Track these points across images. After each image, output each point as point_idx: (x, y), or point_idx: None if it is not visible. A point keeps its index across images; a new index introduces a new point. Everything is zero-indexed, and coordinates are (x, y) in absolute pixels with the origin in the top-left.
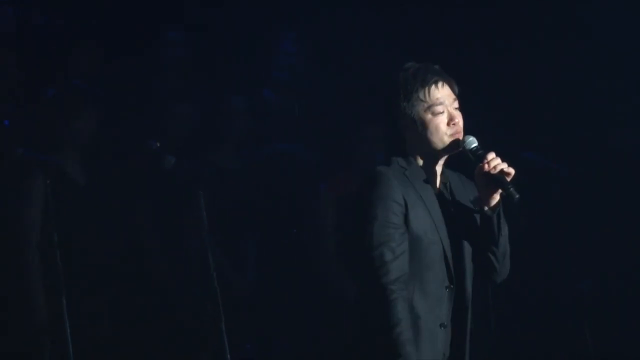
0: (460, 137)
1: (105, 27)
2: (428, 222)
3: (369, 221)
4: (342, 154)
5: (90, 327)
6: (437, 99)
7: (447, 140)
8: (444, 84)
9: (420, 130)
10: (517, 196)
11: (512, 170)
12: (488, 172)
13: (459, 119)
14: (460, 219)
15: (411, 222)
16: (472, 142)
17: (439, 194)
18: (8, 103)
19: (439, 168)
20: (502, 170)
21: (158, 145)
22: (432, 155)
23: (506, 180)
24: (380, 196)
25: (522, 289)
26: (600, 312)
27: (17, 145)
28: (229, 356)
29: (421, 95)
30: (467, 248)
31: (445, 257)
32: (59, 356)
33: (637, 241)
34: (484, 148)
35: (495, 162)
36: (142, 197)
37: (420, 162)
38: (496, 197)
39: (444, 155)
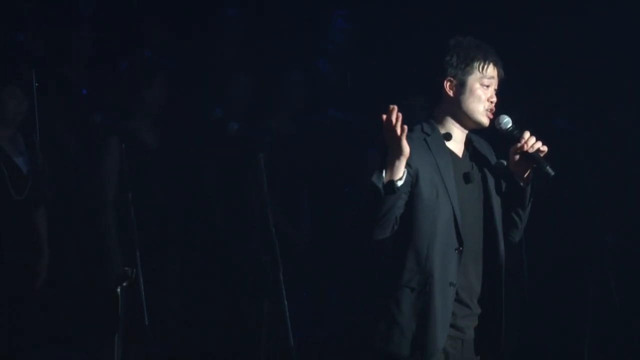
0: (491, 116)
1: (174, 4)
2: (440, 187)
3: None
4: None
5: (161, 276)
6: (491, 76)
7: (483, 111)
8: (498, 66)
9: (465, 94)
10: (553, 173)
11: (546, 148)
12: (525, 151)
13: (495, 100)
14: (480, 184)
15: (421, 187)
16: (508, 122)
17: (460, 160)
18: (86, 73)
19: (464, 136)
20: (538, 149)
21: (222, 112)
22: (463, 121)
23: (542, 158)
24: None
25: (552, 245)
26: (623, 265)
27: (94, 112)
28: (286, 302)
29: (479, 67)
30: (482, 213)
31: (456, 220)
32: (133, 303)
33: None
34: (519, 127)
35: (532, 141)
36: (207, 159)
37: (447, 127)
38: (530, 172)
39: (472, 127)
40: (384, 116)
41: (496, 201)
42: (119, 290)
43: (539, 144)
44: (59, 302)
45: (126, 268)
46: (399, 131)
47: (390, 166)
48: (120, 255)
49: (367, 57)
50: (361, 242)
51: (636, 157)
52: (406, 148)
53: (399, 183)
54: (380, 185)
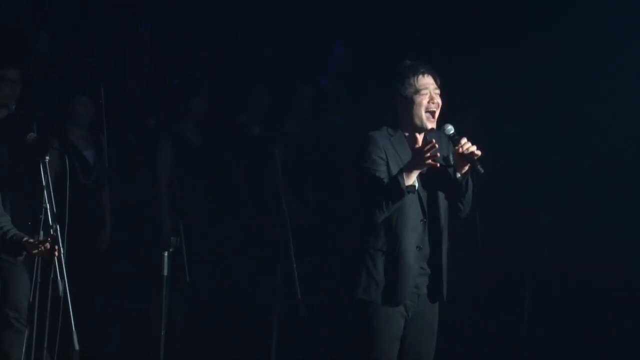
0: (435, 117)
1: (212, 33)
2: None
3: (363, 159)
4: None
5: (199, 244)
6: (423, 84)
7: (424, 116)
8: (429, 74)
9: (409, 106)
10: (482, 171)
11: (479, 152)
12: (462, 152)
13: (437, 100)
14: (433, 174)
15: (391, 172)
16: (451, 129)
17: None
18: (144, 87)
19: (420, 136)
20: (472, 152)
21: (246, 118)
22: (413, 127)
23: (474, 159)
24: (370, 149)
25: (500, 223)
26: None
27: (149, 117)
28: (294, 264)
29: (412, 81)
30: (439, 193)
31: (420, 198)
32: (177, 265)
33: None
34: (460, 133)
35: (467, 146)
36: (235, 154)
37: (406, 130)
38: (466, 169)
39: (421, 129)
40: (424, 145)
41: (440, 185)
42: (166, 254)
43: (473, 148)
44: (118, 263)
45: (172, 238)
46: (430, 157)
47: (411, 174)
48: (168, 227)
49: (359, 75)
50: (349, 218)
51: (565, 152)
52: (426, 166)
53: (416, 185)
54: (404, 188)
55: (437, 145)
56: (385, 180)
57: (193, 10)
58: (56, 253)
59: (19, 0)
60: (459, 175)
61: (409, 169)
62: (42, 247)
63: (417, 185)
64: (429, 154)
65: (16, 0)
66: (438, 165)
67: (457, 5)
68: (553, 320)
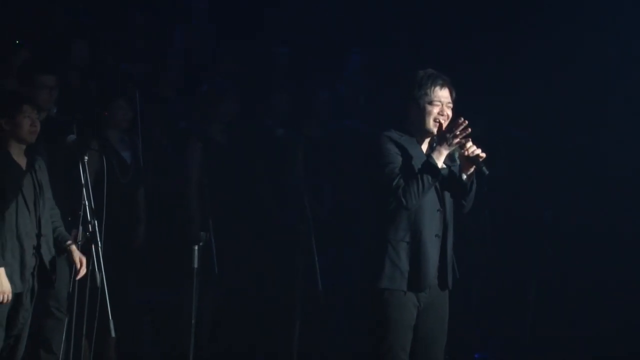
0: (444, 125)
1: (238, 43)
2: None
3: (382, 156)
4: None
5: (227, 238)
6: (437, 96)
7: (431, 123)
8: (445, 87)
9: (421, 112)
10: (487, 172)
11: (484, 155)
12: (467, 155)
13: (447, 112)
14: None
15: (408, 166)
16: None
17: (424, 155)
18: (175, 93)
19: (427, 140)
20: (477, 155)
21: (271, 121)
22: (422, 132)
23: (479, 161)
24: (387, 146)
25: (507, 219)
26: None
27: (181, 120)
28: (316, 257)
29: (428, 91)
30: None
31: (436, 188)
32: (206, 257)
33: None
34: (465, 137)
35: (472, 149)
36: (261, 155)
37: (415, 133)
38: (471, 170)
39: (429, 135)
40: (452, 125)
41: (447, 184)
42: (196, 248)
43: (478, 151)
44: (152, 257)
45: (202, 233)
46: (462, 134)
47: (440, 157)
48: (198, 223)
49: (373, 82)
50: (365, 213)
51: (568, 154)
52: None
53: (444, 168)
54: (438, 167)
55: (466, 122)
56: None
57: (221, 22)
58: (82, 271)
59: (59, 12)
60: (464, 176)
61: (437, 152)
62: (79, 270)
63: (445, 169)
64: (458, 132)
65: (56, 12)
66: (466, 144)
67: (467, 15)
68: (556, 310)
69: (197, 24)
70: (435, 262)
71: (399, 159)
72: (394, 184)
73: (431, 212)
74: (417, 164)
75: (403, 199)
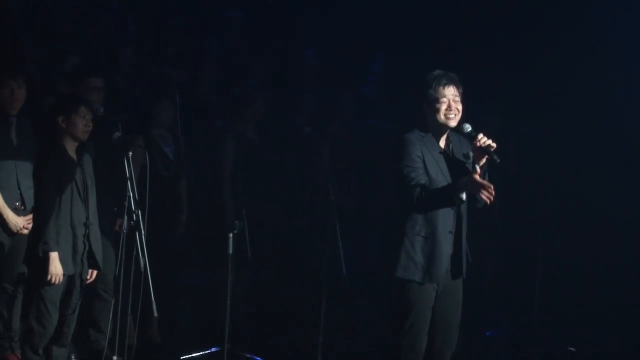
0: (455, 119)
1: (270, 48)
2: (437, 169)
3: (403, 159)
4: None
5: (259, 227)
6: (442, 94)
7: (443, 117)
8: (450, 85)
9: (432, 110)
10: (498, 161)
11: (494, 145)
12: (479, 146)
13: (456, 107)
14: (456, 168)
15: (428, 169)
16: (468, 127)
17: (444, 153)
18: (212, 94)
19: (444, 135)
20: (488, 145)
21: (299, 120)
22: (438, 127)
23: (491, 150)
24: (409, 149)
25: (517, 210)
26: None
27: (217, 119)
28: (340, 245)
29: (434, 90)
30: None
31: None
32: (240, 244)
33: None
34: (476, 130)
35: (483, 140)
36: (290, 151)
37: (432, 130)
38: (484, 160)
39: (445, 129)
40: (485, 186)
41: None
42: (231, 235)
43: (489, 141)
44: (191, 243)
45: (236, 221)
46: (486, 194)
47: (464, 191)
48: (232, 212)
49: (395, 84)
50: (387, 206)
51: (574, 150)
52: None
53: (463, 197)
54: (457, 199)
55: (493, 190)
56: (422, 176)
57: (253, 29)
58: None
59: (107, 21)
60: (478, 167)
61: (462, 188)
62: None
63: (464, 197)
64: (486, 192)
65: (105, 21)
66: (477, 135)
67: (483, 21)
68: (563, 289)
69: (232, 32)
70: (448, 257)
71: (417, 162)
72: (411, 189)
73: (446, 209)
74: (434, 165)
75: (416, 205)
